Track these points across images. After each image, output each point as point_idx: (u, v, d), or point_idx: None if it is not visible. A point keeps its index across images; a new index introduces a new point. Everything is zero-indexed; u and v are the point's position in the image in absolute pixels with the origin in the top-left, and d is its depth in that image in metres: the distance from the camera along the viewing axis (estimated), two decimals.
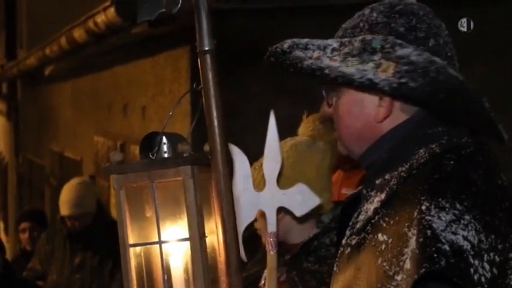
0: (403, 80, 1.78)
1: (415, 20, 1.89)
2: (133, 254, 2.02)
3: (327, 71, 1.81)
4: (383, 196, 1.83)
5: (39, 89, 13.68)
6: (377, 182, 1.87)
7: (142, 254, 2.03)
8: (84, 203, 5.93)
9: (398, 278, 1.65)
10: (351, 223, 1.95)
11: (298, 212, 2.38)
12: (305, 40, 1.86)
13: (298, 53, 1.84)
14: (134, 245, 2.02)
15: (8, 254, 9.15)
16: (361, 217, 1.86)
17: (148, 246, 2.02)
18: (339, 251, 1.93)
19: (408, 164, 1.83)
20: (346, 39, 1.83)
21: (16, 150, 16.23)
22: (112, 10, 6.23)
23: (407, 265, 1.64)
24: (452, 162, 1.80)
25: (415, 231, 1.67)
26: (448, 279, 1.61)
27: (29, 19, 14.55)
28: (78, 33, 7.66)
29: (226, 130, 1.88)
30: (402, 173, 1.83)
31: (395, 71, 1.78)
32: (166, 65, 6.53)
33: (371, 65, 1.79)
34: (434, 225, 1.66)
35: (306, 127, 2.98)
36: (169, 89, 6.48)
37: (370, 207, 1.85)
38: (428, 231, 1.65)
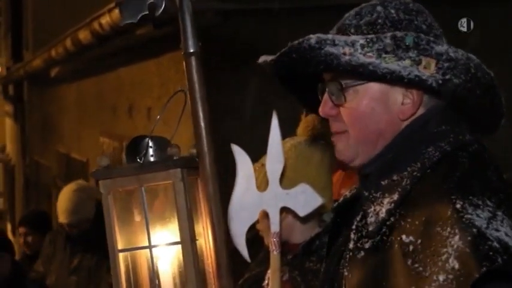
0: (447, 77, 1.79)
1: (429, 18, 1.91)
2: (123, 259, 2.00)
3: (371, 68, 1.78)
4: (395, 197, 1.81)
5: (45, 90, 13.70)
6: (383, 183, 1.85)
7: (132, 259, 2.02)
8: (81, 210, 5.89)
9: (441, 278, 1.63)
10: (354, 226, 1.93)
11: (302, 212, 2.36)
12: (330, 36, 1.83)
13: (330, 49, 1.80)
14: (123, 250, 2.00)
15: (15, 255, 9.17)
16: (371, 219, 1.84)
17: (138, 250, 2.01)
18: (348, 255, 1.90)
19: (419, 163, 1.82)
20: (372, 36, 1.81)
21: (23, 152, 16.27)
22: (117, 12, 6.22)
23: (454, 264, 1.62)
24: (466, 160, 1.81)
25: (455, 231, 1.65)
26: (506, 276, 1.60)
27: (35, 21, 14.58)
28: (83, 35, 7.68)
29: (213, 132, 1.86)
30: (414, 173, 1.81)
31: (438, 68, 1.78)
32: (170, 66, 6.52)
33: (408, 61, 1.78)
34: (477, 223, 1.65)
35: (304, 127, 2.96)
36: (173, 90, 6.42)
37: (380, 208, 1.83)
38: (474, 230, 1.64)
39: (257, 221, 2.48)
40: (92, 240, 5.81)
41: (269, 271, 2.42)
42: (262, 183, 2.39)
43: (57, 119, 12.68)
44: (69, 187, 6.12)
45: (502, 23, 5.40)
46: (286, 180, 2.48)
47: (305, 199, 2.31)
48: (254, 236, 2.73)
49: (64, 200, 5.95)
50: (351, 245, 1.91)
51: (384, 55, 1.78)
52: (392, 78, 1.79)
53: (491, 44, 4.94)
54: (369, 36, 1.81)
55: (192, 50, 1.84)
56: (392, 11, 1.88)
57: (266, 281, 2.76)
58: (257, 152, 2.55)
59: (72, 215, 5.86)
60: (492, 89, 1.85)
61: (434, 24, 1.91)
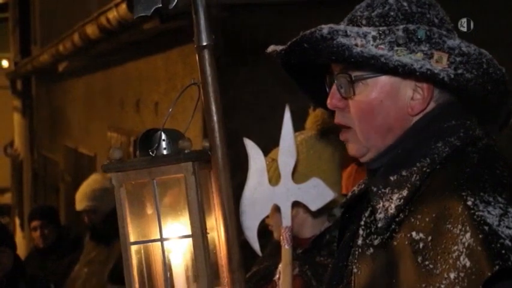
0: (459, 71, 1.78)
1: (441, 12, 1.90)
2: (135, 252, 2.01)
3: (383, 60, 1.77)
4: (404, 193, 1.80)
5: (53, 85, 13.71)
6: (392, 178, 1.84)
7: (144, 252, 2.02)
8: (99, 197, 5.89)
9: (451, 275, 1.62)
10: (363, 222, 1.92)
11: (314, 206, 2.36)
12: (342, 26, 1.82)
13: (342, 39, 1.78)
14: (135, 243, 2.01)
15: (24, 250, 9.18)
16: (380, 216, 1.82)
17: (149, 243, 2.01)
18: (357, 252, 1.90)
19: (428, 158, 1.81)
20: (383, 28, 1.80)
21: (31, 147, 16.28)
22: (124, 6, 6.23)
23: (465, 262, 1.61)
24: (475, 155, 1.80)
25: (466, 228, 1.64)
26: None
27: (42, 16, 14.58)
28: (91, 30, 7.68)
29: (225, 125, 1.86)
30: (424, 169, 1.80)
31: (450, 62, 1.77)
32: (178, 61, 6.52)
33: (420, 55, 1.77)
34: (488, 220, 1.63)
35: (313, 121, 2.95)
36: (181, 84, 6.46)
37: (389, 204, 1.82)
38: (486, 227, 1.62)
39: (266, 215, 2.49)
40: (111, 232, 5.81)
41: (280, 265, 2.42)
42: (273, 178, 2.39)
43: (65, 114, 12.68)
44: (92, 176, 6.13)
45: (502, 22, 5.39)
46: (298, 174, 2.48)
47: (317, 193, 2.31)
48: (262, 231, 2.73)
49: (81, 188, 5.97)
50: (359, 241, 1.90)
51: (395, 48, 1.77)
52: (404, 71, 1.78)
53: (491, 44, 4.93)
54: (381, 28, 1.80)
55: (205, 43, 1.83)
56: (405, 4, 1.87)
57: (277, 275, 2.76)
58: (266, 147, 2.55)
59: (88, 201, 5.86)
60: (503, 85, 1.84)
61: (446, 18, 1.90)
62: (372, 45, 1.78)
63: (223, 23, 5.22)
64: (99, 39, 7.72)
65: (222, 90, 1.91)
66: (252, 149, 2.27)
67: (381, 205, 1.83)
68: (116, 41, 7.56)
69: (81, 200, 5.98)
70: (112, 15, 6.62)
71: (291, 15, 5.41)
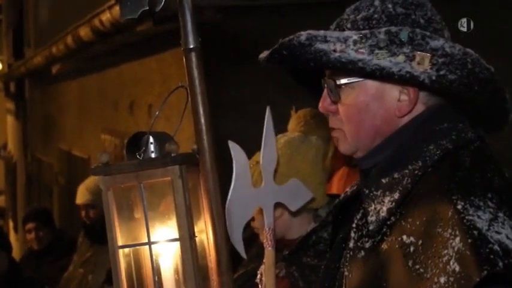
0: (441, 72, 1.76)
1: (430, 12, 1.88)
2: (123, 256, 2.00)
3: (360, 64, 1.76)
4: (396, 196, 1.79)
5: (46, 87, 13.70)
6: (383, 181, 1.83)
7: (132, 255, 2.02)
8: (98, 193, 5.89)
9: (442, 280, 1.62)
10: (354, 225, 1.92)
11: (293, 207, 2.38)
12: (321, 32, 1.81)
13: (320, 45, 1.78)
14: (123, 247, 2.00)
15: (18, 253, 9.17)
16: (371, 218, 1.82)
17: (138, 247, 2.01)
18: (349, 255, 1.89)
19: (420, 161, 1.80)
20: (366, 31, 1.79)
21: (24, 149, 16.27)
22: (117, 8, 6.22)
23: (455, 267, 1.61)
24: (467, 158, 1.79)
25: (455, 232, 1.64)
26: (506, 280, 1.59)
27: (36, 18, 14.57)
28: (84, 32, 7.67)
29: (214, 128, 1.86)
30: (416, 171, 1.80)
31: (432, 64, 1.76)
32: (172, 63, 6.51)
33: (402, 57, 1.76)
34: (478, 225, 1.63)
35: (296, 123, 2.95)
36: (175, 86, 6.44)
37: (380, 207, 1.81)
38: (475, 232, 1.62)
39: (252, 219, 2.48)
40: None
41: (262, 267, 2.42)
42: (258, 180, 2.39)
43: (58, 116, 12.67)
44: None
45: (502, 22, 5.39)
46: (281, 177, 2.49)
47: (296, 194, 2.33)
48: (250, 236, 2.72)
49: (87, 181, 5.95)
50: (351, 244, 1.90)
51: (376, 51, 1.76)
52: (382, 75, 1.78)
53: (491, 44, 4.93)
54: (363, 31, 1.79)
55: (192, 46, 1.84)
56: (390, 6, 1.86)
57: (259, 276, 2.76)
58: (258, 149, 2.54)
59: (90, 194, 5.85)
60: (491, 84, 1.82)
61: (434, 18, 1.88)
62: (352, 49, 1.77)
63: (219, 25, 5.22)
64: (92, 41, 7.71)
65: (214, 92, 1.91)
66: (236, 152, 2.27)
67: (372, 208, 1.83)
68: (110, 43, 7.56)
69: (83, 193, 5.98)
70: (105, 17, 6.62)
71: (288, 16, 5.42)
